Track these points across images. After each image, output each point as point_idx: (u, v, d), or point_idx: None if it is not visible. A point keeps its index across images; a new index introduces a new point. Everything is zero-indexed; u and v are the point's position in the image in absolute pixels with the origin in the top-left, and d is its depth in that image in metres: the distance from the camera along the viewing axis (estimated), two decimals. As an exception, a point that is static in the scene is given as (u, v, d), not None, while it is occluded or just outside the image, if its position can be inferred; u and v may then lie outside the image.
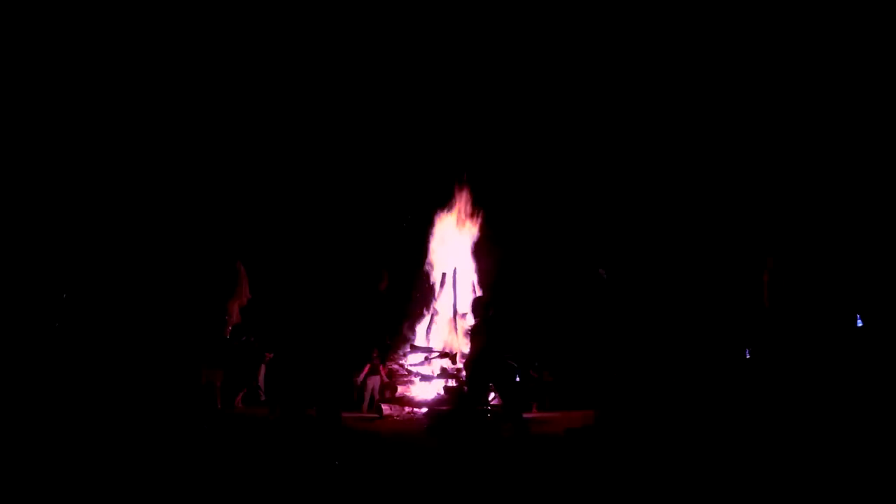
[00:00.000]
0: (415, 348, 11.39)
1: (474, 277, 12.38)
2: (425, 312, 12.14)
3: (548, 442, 6.65)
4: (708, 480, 4.40)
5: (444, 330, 11.78)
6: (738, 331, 13.90)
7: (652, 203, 15.86)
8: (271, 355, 10.57)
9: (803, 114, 15.12)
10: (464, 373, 10.56)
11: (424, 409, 9.69)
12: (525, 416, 6.67)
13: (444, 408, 9.51)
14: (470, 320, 11.76)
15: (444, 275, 12.30)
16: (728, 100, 15.63)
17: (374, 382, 10.53)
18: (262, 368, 10.73)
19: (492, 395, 9.43)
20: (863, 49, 14.16)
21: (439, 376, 10.56)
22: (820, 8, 14.22)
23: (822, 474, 4.55)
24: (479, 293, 6.15)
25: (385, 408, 9.85)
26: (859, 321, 13.74)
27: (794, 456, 5.46)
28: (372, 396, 10.46)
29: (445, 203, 13.05)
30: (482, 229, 12.89)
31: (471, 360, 6.03)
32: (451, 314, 11.78)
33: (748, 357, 13.68)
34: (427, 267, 12.71)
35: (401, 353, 11.47)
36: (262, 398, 10.38)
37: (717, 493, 3.99)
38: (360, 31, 15.66)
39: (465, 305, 11.98)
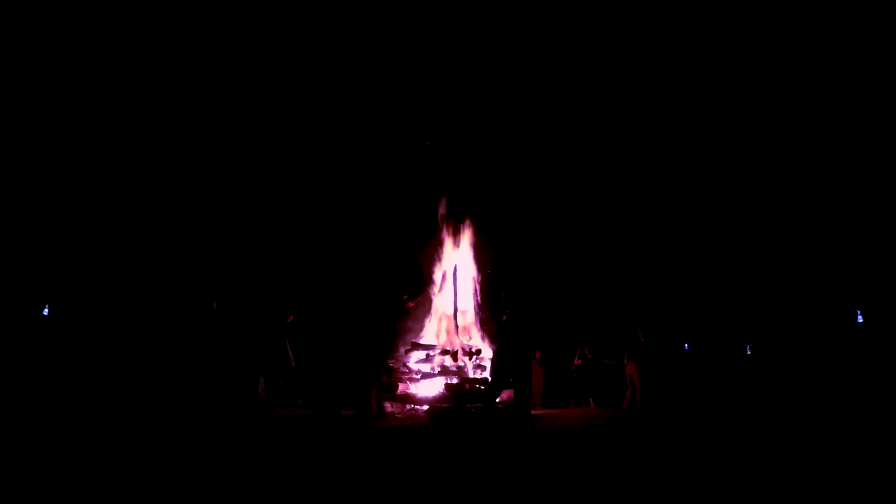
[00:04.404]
0: (416, 345, 11.39)
1: (475, 275, 12.39)
2: (426, 310, 12.15)
3: (553, 439, 6.66)
4: (711, 479, 4.39)
5: (445, 327, 11.78)
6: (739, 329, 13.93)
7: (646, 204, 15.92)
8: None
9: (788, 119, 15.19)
10: (474, 368, 10.58)
11: (426, 407, 9.69)
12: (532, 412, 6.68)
13: (445, 405, 9.52)
14: (470, 317, 11.81)
15: (444, 272, 12.29)
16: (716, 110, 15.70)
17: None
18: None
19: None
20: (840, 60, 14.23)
21: (440, 374, 10.55)
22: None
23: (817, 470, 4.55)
24: (505, 290, 6.15)
25: (386, 405, 9.84)
26: (860, 317, 13.78)
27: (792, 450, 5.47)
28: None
29: (444, 202, 13.05)
30: (481, 228, 12.90)
31: (499, 354, 6.03)
32: (452, 311, 11.78)
33: (749, 354, 13.71)
34: (427, 264, 12.70)
35: (402, 351, 11.46)
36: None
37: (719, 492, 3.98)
38: (356, 36, 15.68)
39: (466, 303, 12.00)
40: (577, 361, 13.26)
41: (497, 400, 9.47)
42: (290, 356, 10.32)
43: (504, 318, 6.08)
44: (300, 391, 10.52)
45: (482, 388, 9.79)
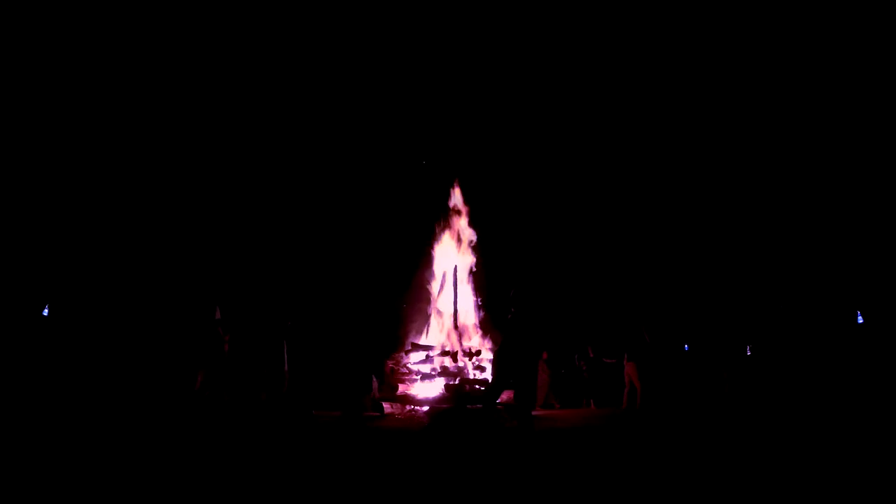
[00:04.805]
0: (415, 346, 11.38)
1: (475, 276, 12.38)
2: (426, 311, 12.15)
3: (552, 439, 6.65)
4: (712, 478, 4.39)
5: (445, 328, 11.78)
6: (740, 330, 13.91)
7: (648, 202, 15.90)
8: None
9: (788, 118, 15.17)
10: (474, 369, 10.56)
11: (425, 408, 9.68)
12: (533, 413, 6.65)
13: (444, 406, 9.52)
14: (470, 318, 11.81)
15: (444, 273, 12.28)
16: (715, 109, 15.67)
17: (375, 381, 10.50)
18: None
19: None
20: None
21: (440, 374, 10.55)
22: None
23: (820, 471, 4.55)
24: (514, 287, 6.08)
25: (386, 406, 9.84)
26: (860, 318, 13.77)
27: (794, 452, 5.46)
28: (373, 394, 10.44)
29: (444, 202, 13.04)
30: (480, 228, 12.88)
31: (501, 353, 5.98)
32: (452, 312, 11.78)
33: (749, 354, 13.71)
34: (427, 265, 12.70)
35: (402, 351, 11.45)
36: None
37: (720, 492, 3.98)
38: (359, 33, 15.66)
39: (467, 303, 11.99)
40: (581, 364, 13.25)
41: (498, 400, 9.48)
42: (285, 359, 10.34)
43: (509, 316, 6.03)
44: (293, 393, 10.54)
45: (482, 389, 9.78)
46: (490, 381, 6.30)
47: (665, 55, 15.71)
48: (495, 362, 6.13)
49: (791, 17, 14.64)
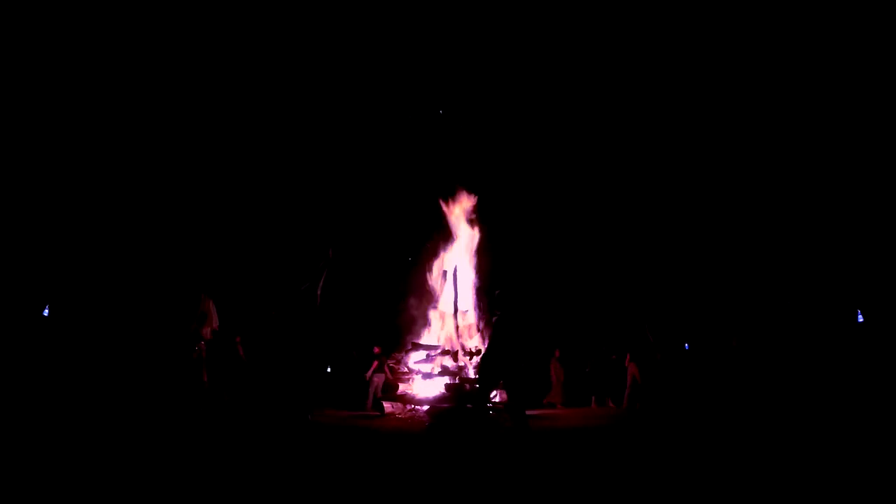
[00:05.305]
0: (416, 346, 11.39)
1: (475, 275, 12.38)
2: (426, 310, 12.16)
3: (548, 439, 6.65)
4: (711, 478, 4.39)
5: (445, 327, 11.78)
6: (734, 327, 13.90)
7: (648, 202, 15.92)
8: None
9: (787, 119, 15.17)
10: (474, 369, 10.58)
11: (426, 407, 9.69)
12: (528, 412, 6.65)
13: (445, 405, 9.52)
14: (471, 317, 11.81)
15: (444, 272, 12.28)
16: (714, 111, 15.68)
17: (379, 380, 10.54)
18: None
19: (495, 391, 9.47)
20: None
21: (441, 374, 10.55)
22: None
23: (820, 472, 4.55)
24: (500, 288, 6.09)
25: (387, 405, 9.85)
26: (860, 317, 13.76)
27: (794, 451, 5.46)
28: (375, 394, 10.47)
29: (445, 203, 13.03)
30: (482, 227, 12.87)
31: (487, 355, 6.00)
32: (452, 312, 11.77)
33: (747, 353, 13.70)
34: (428, 265, 12.70)
35: (402, 351, 11.47)
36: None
37: (720, 492, 3.98)
38: (359, 35, 15.65)
39: (467, 302, 12.00)
40: (586, 363, 13.24)
41: (498, 400, 9.50)
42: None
43: (494, 318, 6.06)
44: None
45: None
46: (478, 381, 6.33)
47: (664, 56, 15.73)
48: (481, 364, 6.15)
49: (791, 16, 14.66)
